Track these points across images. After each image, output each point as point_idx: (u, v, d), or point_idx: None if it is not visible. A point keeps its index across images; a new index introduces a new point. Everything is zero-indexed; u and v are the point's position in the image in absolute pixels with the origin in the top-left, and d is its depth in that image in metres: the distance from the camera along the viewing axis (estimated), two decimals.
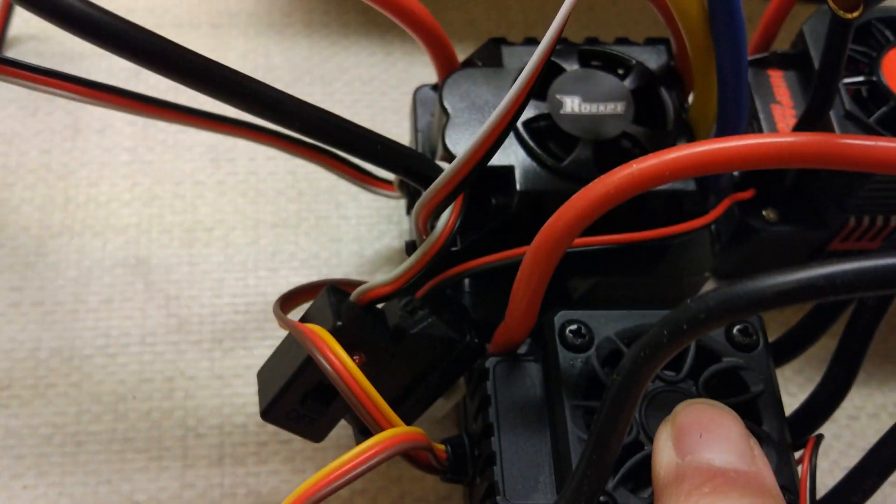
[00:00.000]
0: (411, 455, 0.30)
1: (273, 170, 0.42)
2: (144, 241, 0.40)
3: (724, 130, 0.32)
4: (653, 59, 0.34)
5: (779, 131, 0.36)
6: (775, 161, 0.25)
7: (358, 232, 0.41)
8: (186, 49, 0.23)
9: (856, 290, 0.19)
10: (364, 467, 0.27)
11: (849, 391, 0.30)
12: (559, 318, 0.30)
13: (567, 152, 0.32)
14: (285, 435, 0.35)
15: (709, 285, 0.39)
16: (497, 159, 0.31)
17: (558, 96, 0.32)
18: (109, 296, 0.38)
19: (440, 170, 0.30)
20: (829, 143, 0.24)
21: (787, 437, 0.29)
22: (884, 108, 0.34)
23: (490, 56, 0.35)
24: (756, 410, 0.29)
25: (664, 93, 0.33)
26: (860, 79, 0.35)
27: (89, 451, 0.35)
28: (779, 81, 0.37)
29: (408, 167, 0.30)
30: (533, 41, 0.35)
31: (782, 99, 0.36)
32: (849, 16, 0.26)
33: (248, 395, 0.36)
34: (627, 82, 0.33)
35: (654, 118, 0.33)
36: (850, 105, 0.34)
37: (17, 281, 0.38)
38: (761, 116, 0.36)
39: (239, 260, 0.40)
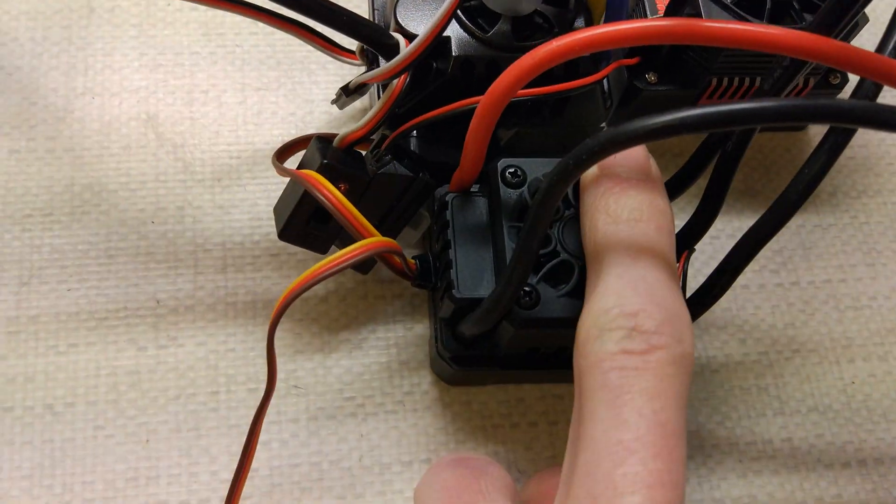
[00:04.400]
0: (386, 258, 0.35)
1: (255, 43, 0.46)
2: (153, 101, 0.44)
3: (611, 11, 0.35)
4: None
5: (658, 11, 0.40)
6: (644, 39, 0.29)
7: (327, 94, 0.45)
8: None
9: (698, 128, 0.25)
10: (354, 260, 0.32)
11: (716, 218, 0.35)
12: (501, 163, 0.34)
13: (491, 25, 0.36)
14: (275, 250, 0.40)
15: None
16: None
17: None
18: (127, 144, 0.42)
19: (393, 37, 0.35)
20: (682, 25, 0.28)
21: None
22: None
23: None
24: None
25: None
26: None
27: (119, 262, 0.40)
28: None
29: (367, 35, 0.35)
30: None
31: None
32: None
33: (243, 221, 0.41)
34: None
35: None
36: None
37: (52, 132, 0.42)
38: None
39: (230, 116, 0.44)
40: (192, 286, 0.40)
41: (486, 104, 0.31)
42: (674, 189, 0.37)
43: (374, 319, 0.40)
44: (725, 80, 0.40)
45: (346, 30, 0.34)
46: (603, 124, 0.42)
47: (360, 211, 0.34)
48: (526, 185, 0.34)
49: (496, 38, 0.36)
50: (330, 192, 0.33)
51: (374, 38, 0.35)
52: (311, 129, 0.44)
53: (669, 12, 0.38)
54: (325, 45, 0.39)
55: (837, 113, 0.24)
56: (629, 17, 0.40)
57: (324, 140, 0.36)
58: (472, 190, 0.35)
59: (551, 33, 0.37)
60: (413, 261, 0.36)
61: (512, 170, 0.34)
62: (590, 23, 0.37)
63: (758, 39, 0.27)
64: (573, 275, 0.32)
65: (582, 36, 0.29)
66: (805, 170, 0.31)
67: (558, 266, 0.33)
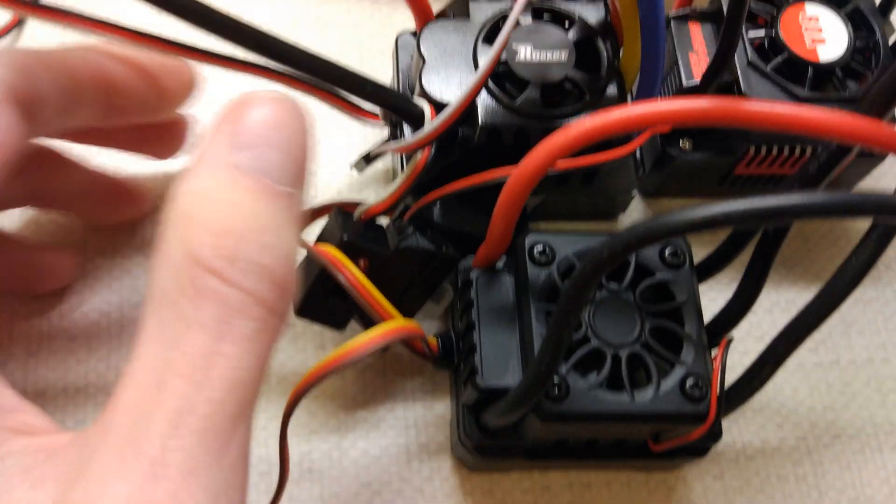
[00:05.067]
0: (408, 342, 0.33)
1: None
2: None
3: (645, 76, 0.34)
4: (593, 15, 0.36)
5: (693, 77, 0.38)
6: (682, 121, 0.28)
7: (347, 157, 0.43)
8: (213, 8, 0.26)
9: (744, 223, 0.23)
10: (373, 347, 0.30)
11: (754, 303, 0.33)
12: (529, 239, 0.33)
13: (520, 92, 0.34)
14: (290, 321, 0.39)
15: (636, 202, 0.43)
16: None
17: (514, 45, 0.35)
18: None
19: (417, 105, 0.34)
20: (723, 107, 0.27)
21: (704, 338, 0.32)
22: (779, 58, 0.37)
23: (460, 9, 0.37)
24: (680, 316, 0.32)
25: (600, 44, 0.36)
26: (762, 33, 0.38)
27: (131, 333, 0.38)
28: (696, 33, 0.39)
29: (392, 104, 0.33)
30: None
31: (698, 48, 0.39)
32: None
33: None
34: (571, 34, 0.35)
35: (592, 65, 0.35)
36: (753, 56, 0.37)
37: None
38: (680, 63, 0.39)
39: None
40: None
41: (515, 182, 0.30)
42: (710, 269, 0.35)
43: (393, 397, 0.38)
44: (763, 149, 0.39)
45: (371, 99, 0.33)
46: (634, 191, 0.40)
47: (380, 284, 0.32)
48: (555, 264, 0.32)
49: (524, 105, 0.35)
50: (350, 273, 0.32)
51: (400, 107, 0.34)
52: (331, 191, 0.43)
53: (706, 79, 0.36)
54: (347, 106, 0.38)
55: (890, 208, 0.22)
56: (663, 82, 0.39)
57: (344, 213, 0.34)
58: (497, 266, 0.34)
59: (582, 100, 0.35)
60: (434, 339, 0.34)
61: (540, 247, 0.33)
62: (622, 89, 0.36)
63: (806, 125, 0.25)
64: (605, 364, 0.30)
65: (617, 117, 0.27)
66: (853, 258, 0.29)
67: (589, 353, 0.31)
